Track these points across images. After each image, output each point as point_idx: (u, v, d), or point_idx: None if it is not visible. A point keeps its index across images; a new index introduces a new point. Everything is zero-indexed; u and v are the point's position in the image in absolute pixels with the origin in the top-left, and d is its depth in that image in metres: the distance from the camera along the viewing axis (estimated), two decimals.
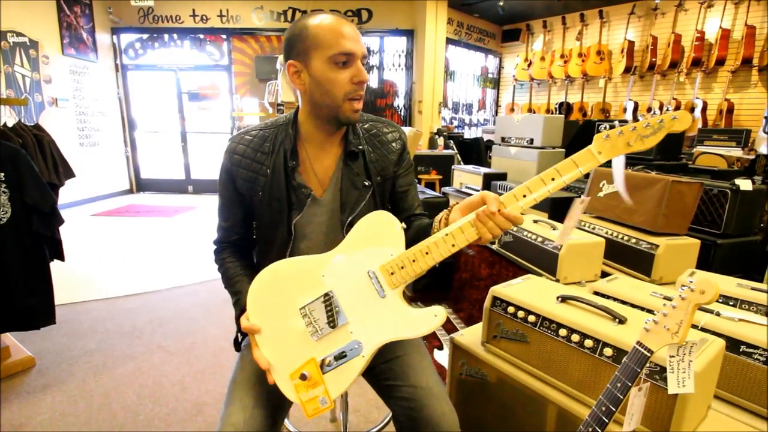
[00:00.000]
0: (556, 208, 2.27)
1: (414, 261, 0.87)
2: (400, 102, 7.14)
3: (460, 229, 0.85)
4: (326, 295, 0.92)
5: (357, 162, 1.07)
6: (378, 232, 0.91)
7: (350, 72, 0.95)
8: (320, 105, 0.99)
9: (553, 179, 0.82)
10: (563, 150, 3.37)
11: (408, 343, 1.07)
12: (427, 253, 0.86)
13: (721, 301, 1.27)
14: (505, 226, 0.83)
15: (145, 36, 6.84)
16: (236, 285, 1.06)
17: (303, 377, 0.88)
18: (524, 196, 0.84)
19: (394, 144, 1.12)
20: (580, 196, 2.29)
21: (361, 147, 1.07)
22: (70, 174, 2.28)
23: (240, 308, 1.01)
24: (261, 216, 1.07)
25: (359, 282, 0.90)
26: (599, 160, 0.81)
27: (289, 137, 1.04)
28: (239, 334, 1.11)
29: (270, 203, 1.04)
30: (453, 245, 0.86)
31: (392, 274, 0.88)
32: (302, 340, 0.91)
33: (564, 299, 1.14)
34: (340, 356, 0.88)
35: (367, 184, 1.07)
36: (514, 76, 7.81)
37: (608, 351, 0.96)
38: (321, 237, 1.07)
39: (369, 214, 0.94)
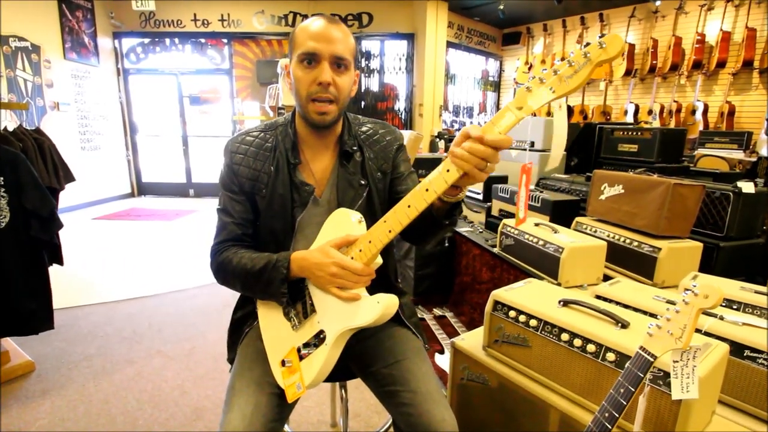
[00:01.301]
0: (558, 211, 2.26)
1: (370, 242, 0.88)
2: (400, 105, 7.15)
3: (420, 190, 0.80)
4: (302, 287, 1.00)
5: (352, 162, 1.08)
6: (338, 227, 0.95)
7: (314, 74, 0.95)
8: (297, 104, 1.02)
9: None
10: (564, 153, 3.37)
11: (408, 348, 1.07)
12: (385, 222, 0.86)
13: (724, 304, 1.26)
14: (483, 152, 0.73)
15: (146, 40, 6.87)
16: (262, 260, 0.97)
17: (283, 364, 0.97)
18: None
19: (390, 138, 1.14)
20: (584, 199, 2.28)
21: (355, 148, 1.09)
22: (70, 178, 2.28)
23: (283, 269, 0.94)
24: (263, 214, 1.07)
25: None
26: (519, 116, 0.72)
27: (288, 136, 1.06)
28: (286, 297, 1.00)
29: (272, 199, 1.04)
30: (409, 206, 0.82)
31: (352, 258, 0.90)
32: (286, 331, 1.00)
33: (566, 303, 1.13)
34: (310, 345, 0.95)
35: (363, 183, 1.07)
36: (514, 79, 7.82)
37: (611, 356, 0.95)
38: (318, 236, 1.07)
39: (332, 213, 0.98)
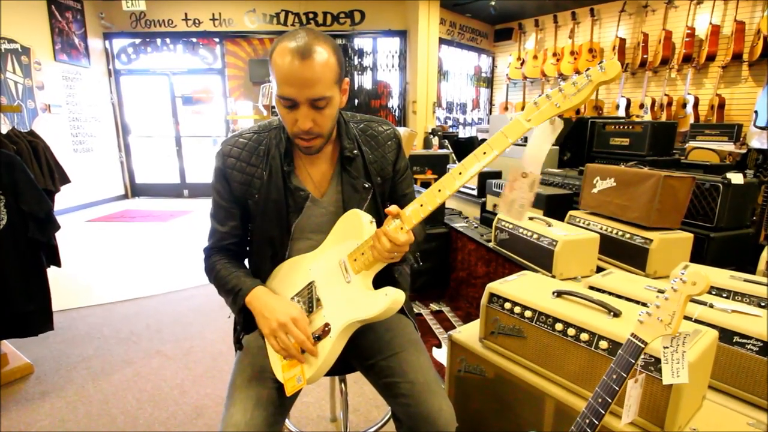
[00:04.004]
0: (552, 205, 2.28)
1: (372, 245, 0.93)
2: (394, 102, 7.16)
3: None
4: (309, 284, 1.03)
5: (355, 165, 1.07)
6: (350, 227, 0.99)
7: (295, 116, 0.92)
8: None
9: (484, 152, 0.85)
10: (557, 147, 3.39)
11: (406, 341, 1.08)
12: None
13: (714, 293, 1.29)
14: (385, 247, 0.88)
15: (137, 41, 6.82)
16: (232, 281, 1.03)
17: (285, 357, 0.96)
18: (438, 191, 0.88)
19: (389, 143, 1.13)
20: (577, 193, 2.30)
21: (356, 152, 1.08)
22: (65, 180, 2.28)
23: (242, 301, 1.00)
24: (257, 219, 1.07)
25: (333, 271, 1.00)
26: (527, 126, 0.83)
27: (282, 141, 1.05)
28: (240, 333, 1.10)
29: (266, 205, 1.04)
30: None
31: (355, 260, 0.96)
32: None
33: (560, 294, 1.15)
34: (314, 338, 0.95)
35: (367, 186, 1.08)
36: (507, 74, 7.84)
37: (604, 344, 0.98)
38: (323, 237, 1.08)
39: (344, 214, 1.01)
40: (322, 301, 0.98)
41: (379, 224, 0.96)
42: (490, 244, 2.25)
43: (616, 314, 1.03)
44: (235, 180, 1.04)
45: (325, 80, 0.90)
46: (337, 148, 1.08)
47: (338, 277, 0.98)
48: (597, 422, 0.79)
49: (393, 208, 0.91)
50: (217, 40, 6.82)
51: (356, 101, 7.01)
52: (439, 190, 0.88)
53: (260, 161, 1.04)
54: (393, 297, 0.88)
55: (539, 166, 0.90)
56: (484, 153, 0.85)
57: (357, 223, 0.97)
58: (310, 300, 1.01)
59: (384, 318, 0.90)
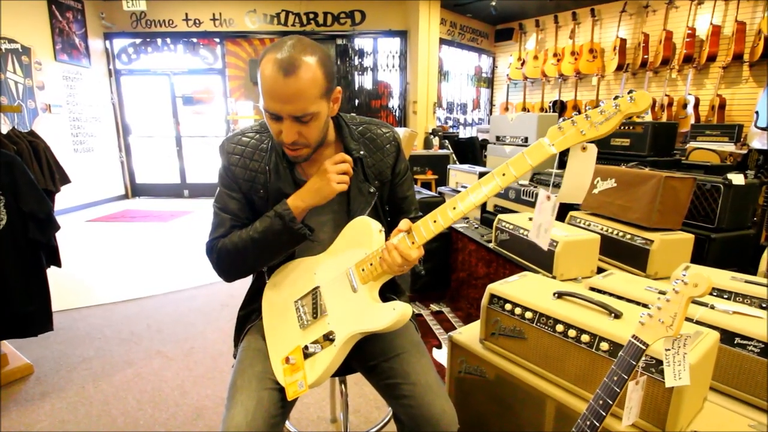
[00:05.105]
0: None
1: (381, 258, 0.93)
2: (394, 103, 7.15)
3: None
4: (314, 289, 1.02)
5: (358, 168, 1.08)
6: (359, 235, 0.98)
7: (279, 127, 0.92)
8: None
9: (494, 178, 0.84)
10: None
11: (407, 342, 1.08)
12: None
13: (715, 294, 1.29)
14: (396, 262, 0.88)
15: (138, 41, 6.82)
16: (260, 221, 1.01)
17: (287, 361, 0.97)
18: (454, 208, 0.88)
19: (388, 146, 1.12)
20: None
21: (363, 152, 1.08)
22: (65, 180, 2.28)
23: (287, 211, 0.97)
24: (263, 214, 1.06)
25: (339, 278, 0.99)
26: (550, 151, 0.80)
27: None
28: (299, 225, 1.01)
29: (276, 200, 1.03)
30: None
31: (363, 270, 0.95)
32: (292, 329, 1.02)
33: (560, 295, 1.15)
34: (317, 344, 0.96)
35: (371, 191, 1.08)
36: (507, 75, 7.84)
37: (605, 345, 0.97)
38: (326, 238, 1.08)
39: (353, 220, 1.01)
40: (327, 309, 0.98)
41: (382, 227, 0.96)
42: (491, 245, 2.25)
43: (617, 316, 1.03)
44: (240, 177, 1.06)
45: (308, 96, 0.88)
46: (340, 149, 1.08)
47: (344, 285, 0.98)
48: (598, 424, 0.79)
49: (404, 224, 0.90)
50: (217, 40, 6.82)
51: (356, 101, 7.01)
52: (454, 208, 0.87)
53: (263, 157, 1.06)
54: (401, 311, 0.88)
55: (583, 194, 0.87)
56: (503, 174, 0.83)
57: (366, 231, 0.96)
58: (314, 306, 1.00)
59: (391, 330, 0.90)
